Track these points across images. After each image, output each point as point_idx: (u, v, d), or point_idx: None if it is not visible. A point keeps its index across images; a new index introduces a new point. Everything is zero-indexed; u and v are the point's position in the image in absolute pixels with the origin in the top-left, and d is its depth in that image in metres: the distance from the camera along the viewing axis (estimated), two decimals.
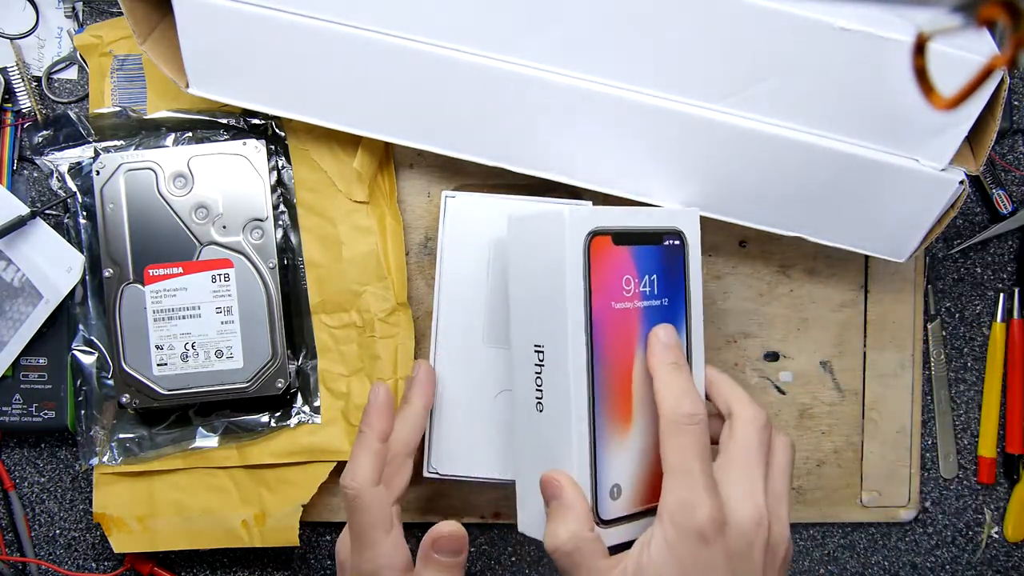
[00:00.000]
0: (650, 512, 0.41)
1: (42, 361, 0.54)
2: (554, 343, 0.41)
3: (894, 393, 0.58)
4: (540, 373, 0.42)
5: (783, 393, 0.57)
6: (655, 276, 0.43)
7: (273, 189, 0.53)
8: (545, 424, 0.42)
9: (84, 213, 0.54)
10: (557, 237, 0.41)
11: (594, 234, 0.41)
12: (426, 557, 0.43)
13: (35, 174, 0.56)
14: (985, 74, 0.26)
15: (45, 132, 0.54)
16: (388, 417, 0.45)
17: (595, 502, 0.41)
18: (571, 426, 0.40)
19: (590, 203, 0.46)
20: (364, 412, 0.46)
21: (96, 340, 0.54)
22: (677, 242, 0.44)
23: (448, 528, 0.43)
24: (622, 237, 0.42)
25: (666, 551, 0.37)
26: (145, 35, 0.48)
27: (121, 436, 0.54)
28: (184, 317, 0.52)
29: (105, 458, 0.54)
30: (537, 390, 0.43)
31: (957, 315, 0.60)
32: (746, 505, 0.39)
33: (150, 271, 0.52)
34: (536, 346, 0.42)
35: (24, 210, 0.53)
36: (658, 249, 0.43)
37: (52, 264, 0.53)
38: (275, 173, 0.54)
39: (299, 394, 0.55)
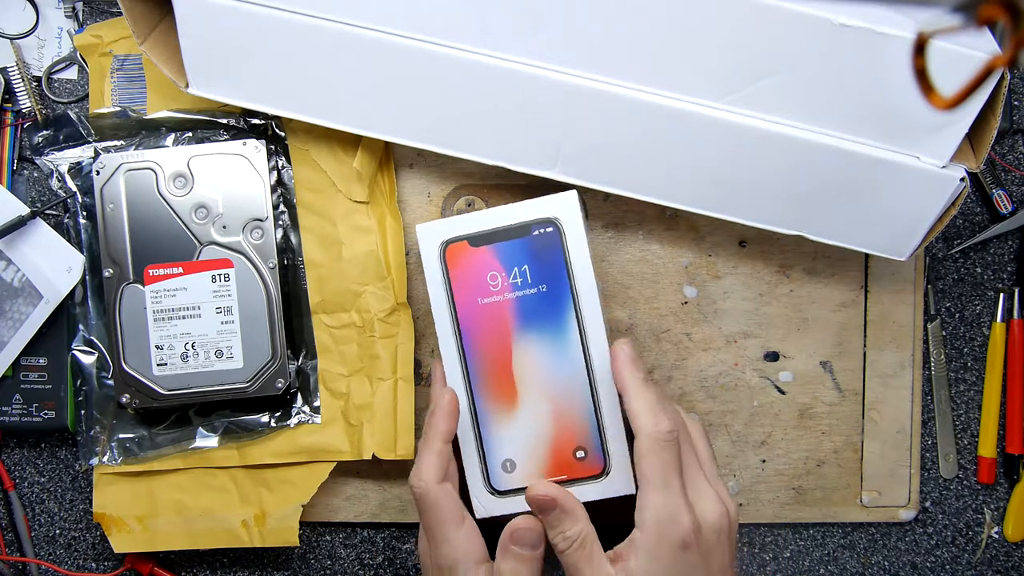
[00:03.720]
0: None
1: (42, 361, 0.54)
2: (439, 341, 0.47)
3: (894, 393, 0.58)
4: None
5: (783, 393, 0.57)
6: (525, 267, 0.46)
7: (273, 189, 0.53)
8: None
9: (84, 213, 0.54)
10: (422, 245, 0.47)
11: (448, 242, 0.46)
12: (505, 550, 0.44)
13: (35, 174, 0.56)
14: (985, 74, 0.26)
15: (45, 132, 0.54)
16: (452, 418, 0.46)
17: (486, 474, 0.47)
18: (454, 384, 0.47)
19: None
20: (429, 414, 0.47)
21: (96, 340, 0.54)
22: (550, 229, 0.46)
23: (525, 522, 0.45)
24: (479, 239, 0.46)
25: (653, 560, 0.41)
26: (145, 35, 0.48)
27: (121, 436, 0.54)
28: (184, 317, 0.52)
29: (105, 458, 0.54)
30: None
31: (957, 315, 0.60)
32: (714, 507, 0.43)
33: (150, 271, 0.52)
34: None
35: (24, 210, 0.53)
36: (525, 241, 0.46)
37: (52, 264, 0.53)
38: (275, 173, 0.54)
39: (299, 394, 0.54)
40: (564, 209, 0.46)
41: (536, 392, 0.46)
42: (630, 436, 0.44)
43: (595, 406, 0.46)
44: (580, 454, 0.46)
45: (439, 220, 0.47)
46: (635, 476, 0.44)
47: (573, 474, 0.46)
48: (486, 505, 0.47)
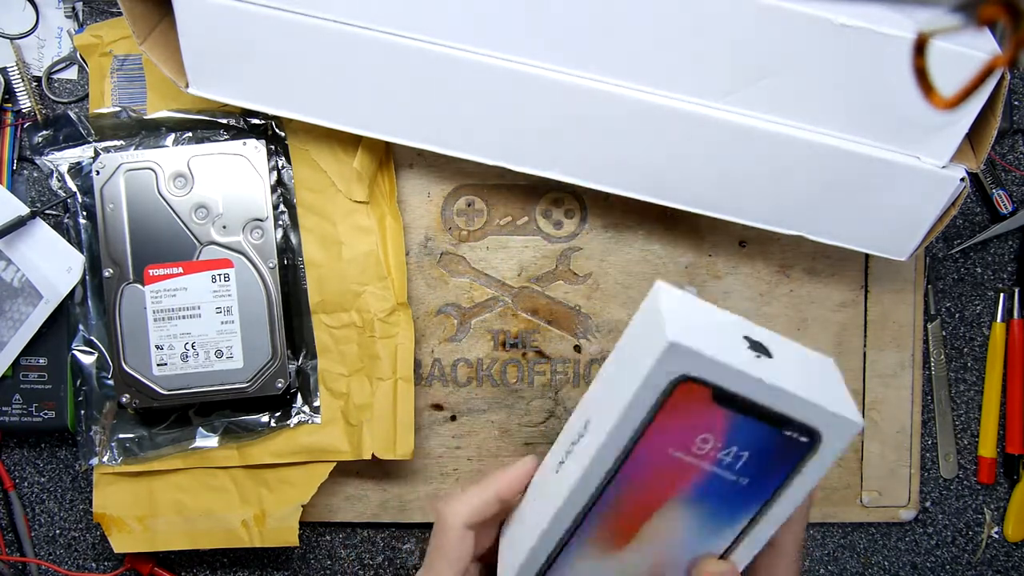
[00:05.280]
0: None
1: (42, 361, 0.54)
2: (597, 431, 0.36)
3: (894, 393, 0.58)
4: (575, 443, 0.38)
5: None
6: (745, 453, 0.35)
7: (273, 189, 0.53)
8: (551, 487, 0.39)
9: (84, 213, 0.54)
10: (654, 352, 0.33)
11: (688, 379, 0.33)
12: None
13: (35, 174, 0.56)
14: (985, 74, 0.26)
15: (45, 132, 0.54)
16: (523, 484, 0.41)
17: None
18: (564, 499, 0.36)
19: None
20: (502, 468, 0.42)
21: (96, 340, 0.54)
22: (804, 439, 0.34)
23: None
24: (728, 399, 0.33)
25: None
26: (145, 35, 0.48)
27: (121, 436, 0.54)
28: (184, 317, 0.52)
29: (105, 458, 0.54)
30: (565, 454, 0.39)
31: (957, 315, 0.60)
32: None
33: (150, 271, 0.52)
34: (587, 421, 0.38)
35: (24, 210, 0.53)
36: (769, 431, 0.34)
37: (52, 264, 0.53)
38: (275, 173, 0.54)
39: (299, 394, 0.54)
40: (836, 433, 0.34)
41: (647, 554, 0.37)
42: None
43: None
44: None
45: (701, 338, 0.33)
46: None
47: None
48: None
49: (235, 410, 0.55)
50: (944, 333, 0.59)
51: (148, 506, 0.54)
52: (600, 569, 0.38)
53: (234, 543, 0.54)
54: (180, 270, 0.52)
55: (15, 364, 0.54)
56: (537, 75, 0.46)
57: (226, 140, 0.54)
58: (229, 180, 0.52)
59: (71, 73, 0.56)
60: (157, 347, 0.52)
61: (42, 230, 0.54)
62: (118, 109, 0.54)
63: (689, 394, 0.33)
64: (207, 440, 0.54)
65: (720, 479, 0.35)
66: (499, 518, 0.42)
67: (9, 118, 0.55)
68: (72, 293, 0.54)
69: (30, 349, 0.54)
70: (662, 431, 0.34)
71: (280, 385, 0.52)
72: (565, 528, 0.37)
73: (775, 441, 0.34)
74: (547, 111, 0.47)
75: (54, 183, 0.54)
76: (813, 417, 0.34)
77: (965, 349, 0.60)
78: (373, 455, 0.53)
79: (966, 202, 0.58)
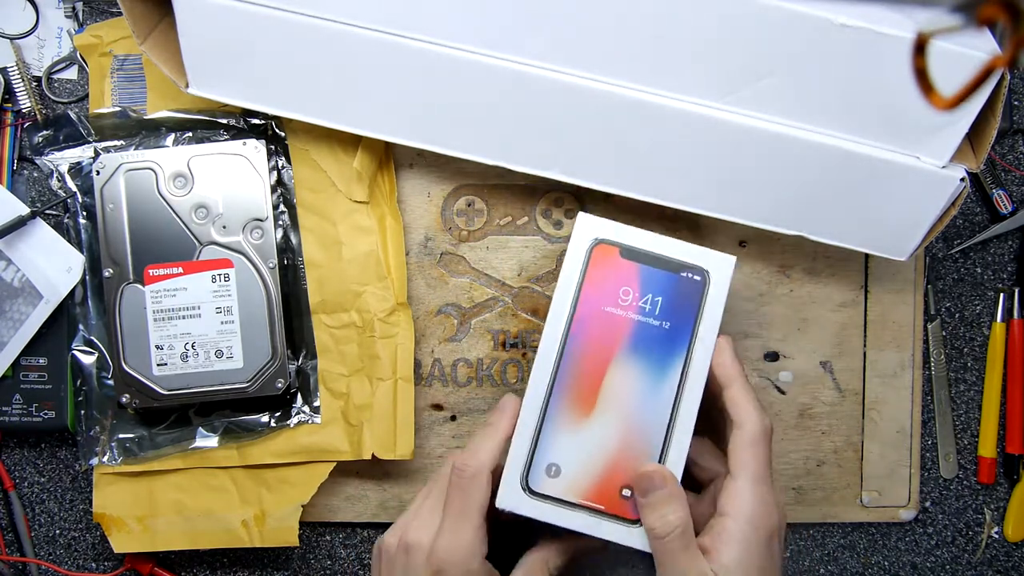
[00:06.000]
0: (587, 510, 0.45)
1: (42, 361, 0.54)
2: (547, 325, 0.47)
3: (894, 393, 0.58)
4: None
5: (783, 393, 0.57)
6: (659, 298, 0.46)
7: (273, 189, 0.53)
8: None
9: (84, 213, 0.54)
10: (573, 232, 0.47)
11: (601, 241, 0.46)
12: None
13: (35, 174, 0.56)
14: (985, 74, 0.26)
15: (45, 132, 0.54)
16: (515, 422, 0.46)
17: (527, 468, 0.45)
18: (528, 390, 0.46)
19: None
20: (497, 411, 0.47)
21: (96, 340, 0.54)
22: (697, 278, 0.46)
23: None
24: (631, 253, 0.47)
25: (746, 552, 0.41)
26: (145, 35, 0.48)
27: (121, 436, 0.54)
28: (184, 317, 0.52)
29: (105, 458, 0.54)
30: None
31: (957, 315, 0.60)
32: (783, 505, 0.45)
33: (150, 271, 0.52)
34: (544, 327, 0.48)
35: (24, 210, 0.53)
36: (670, 276, 0.46)
37: (52, 264, 0.53)
38: (275, 173, 0.54)
39: (299, 394, 0.55)
40: (719, 268, 0.47)
41: (613, 415, 0.45)
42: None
43: (662, 455, 0.45)
44: (626, 492, 0.45)
45: (605, 219, 0.47)
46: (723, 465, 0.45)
47: (610, 508, 0.45)
48: (512, 499, 0.45)
49: (235, 410, 0.55)
50: (944, 333, 0.59)
51: (148, 506, 0.54)
52: (578, 442, 0.45)
53: (234, 543, 0.54)
54: (180, 270, 0.52)
55: (15, 364, 0.54)
56: (537, 75, 0.46)
57: (226, 140, 0.54)
58: (229, 180, 0.52)
59: (71, 73, 0.56)
60: (157, 347, 0.52)
61: (42, 230, 0.54)
62: (118, 109, 0.54)
63: (604, 254, 0.46)
64: (207, 440, 0.54)
65: (648, 327, 0.46)
66: None
67: (9, 118, 0.55)
68: (72, 293, 0.54)
69: (30, 349, 0.54)
70: (592, 292, 0.46)
71: (280, 385, 0.52)
72: (540, 404, 0.45)
73: (677, 283, 0.46)
74: (547, 111, 0.47)
75: (54, 183, 0.54)
76: (697, 258, 0.47)
77: (965, 349, 0.60)
78: (373, 455, 0.53)
79: (966, 202, 0.58)
